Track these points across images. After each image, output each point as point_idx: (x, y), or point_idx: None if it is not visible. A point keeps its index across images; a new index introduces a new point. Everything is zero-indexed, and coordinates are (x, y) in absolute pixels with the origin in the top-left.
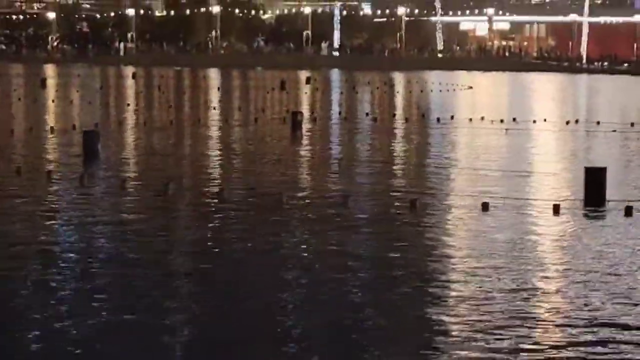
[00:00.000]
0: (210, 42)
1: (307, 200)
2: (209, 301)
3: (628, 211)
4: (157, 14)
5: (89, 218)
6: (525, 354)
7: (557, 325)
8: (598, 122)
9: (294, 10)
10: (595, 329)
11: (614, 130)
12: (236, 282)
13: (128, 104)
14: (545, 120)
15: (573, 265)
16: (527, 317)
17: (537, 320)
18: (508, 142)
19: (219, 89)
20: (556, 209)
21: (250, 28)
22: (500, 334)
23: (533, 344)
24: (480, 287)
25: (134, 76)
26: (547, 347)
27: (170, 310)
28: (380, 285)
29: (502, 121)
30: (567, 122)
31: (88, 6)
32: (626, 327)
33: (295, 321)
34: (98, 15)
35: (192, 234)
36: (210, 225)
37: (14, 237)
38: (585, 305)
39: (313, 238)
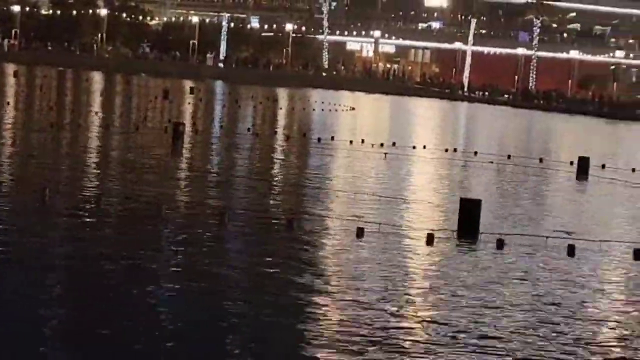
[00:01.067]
0: (95, 45)
1: (181, 213)
2: None
3: (500, 244)
4: (43, 12)
5: None
6: None
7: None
8: (475, 153)
9: (181, 18)
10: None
11: (491, 162)
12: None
13: (8, 103)
14: (424, 147)
15: (435, 296)
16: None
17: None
18: (387, 166)
19: (101, 93)
20: (430, 239)
21: (137, 33)
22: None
23: None
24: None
25: (15, 74)
26: None
27: None
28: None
29: (382, 145)
30: (446, 150)
31: None
32: None
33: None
34: None
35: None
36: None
37: None
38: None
39: (176, 252)
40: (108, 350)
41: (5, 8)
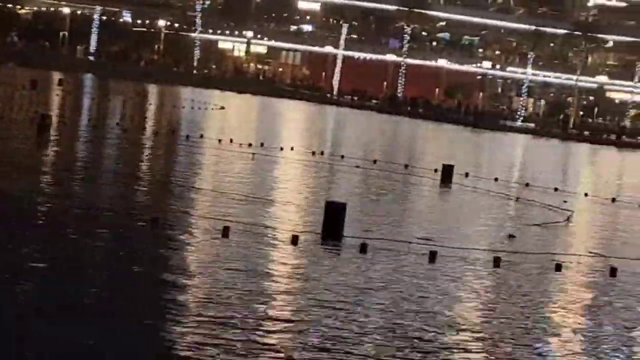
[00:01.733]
0: None
1: (42, 209)
2: None
3: (363, 248)
4: None
5: None
6: None
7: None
8: (342, 156)
9: (52, 8)
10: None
11: (357, 166)
12: None
13: None
14: (292, 149)
15: (295, 295)
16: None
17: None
18: (254, 167)
19: None
20: (294, 240)
21: (5, 21)
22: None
23: None
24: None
25: None
26: None
27: None
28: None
29: (250, 145)
30: (313, 153)
31: None
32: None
33: None
34: None
35: None
36: None
37: None
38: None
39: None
40: None
41: None
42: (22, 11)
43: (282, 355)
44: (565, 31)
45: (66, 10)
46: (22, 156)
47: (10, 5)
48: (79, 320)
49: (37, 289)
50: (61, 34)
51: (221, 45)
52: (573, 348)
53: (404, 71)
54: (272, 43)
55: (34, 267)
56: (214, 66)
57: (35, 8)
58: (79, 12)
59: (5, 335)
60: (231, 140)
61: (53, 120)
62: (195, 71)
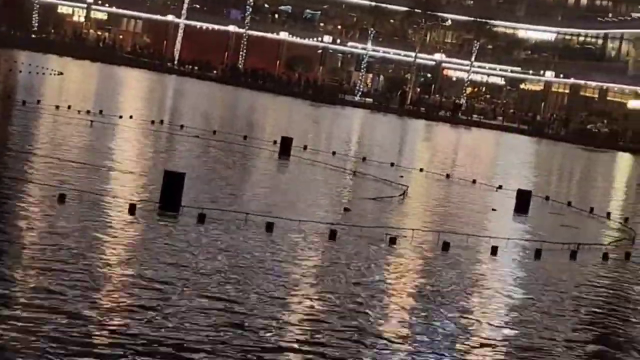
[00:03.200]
0: None
1: None
2: None
3: (201, 218)
4: None
5: None
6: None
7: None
8: (182, 126)
9: None
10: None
11: (197, 136)
12: None
13: None
14: (131, 117)
15: (132, 265)
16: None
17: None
18: (92, 134)
19: None
20: (132, 209)
21: None
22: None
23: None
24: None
25: None
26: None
27: None
28: None
29: (88, 112)
30: (152, 122)
31: None
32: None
33: None
34: None
35: None
36: None
37: None
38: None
39: None
40: None
41: None
42: None
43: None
44: (405, 8)
45: None
46: None
47: None
48: None
49: None
50: None
51: (60, 9)
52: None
53: (245, 42)
54: (113, 10)
55: None
56: (52, 31)
57: None
58: None
59: None
60: (69, 107)
61: None
62: (33, 35)
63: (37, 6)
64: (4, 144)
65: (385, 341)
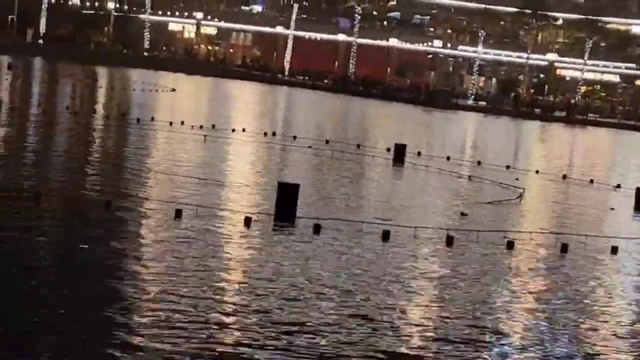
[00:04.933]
0: None
1: None
2: None
3: (316, 228)
4: None
5: None
6: None
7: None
8: (295, 137)
9: None
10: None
11: (310, 147)
12: None
13: None
14: (244, 130)
15: (252, 278)
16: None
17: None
18: (206, 149)
19: None
20: (247, 222)
21: None
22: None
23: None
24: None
25: None
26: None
27: None
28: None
29: (201, 127)
30: (265, 134)
31: None
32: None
33: None
34: None
35: None
36: None
37: None
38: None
39: None
40: None
41: None
42: None
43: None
44: (515, 9)
45: None
46: None
47: None
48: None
49: None
50: (10, 17)
51: (171, 27)
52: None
53: (354, 51)
54: (223, 24)
55: None
56: (164, 48)
57: None
58: None
59: None
60: (182, 123)
61: (3, 104)
62: (145, 53)
63: (148, 25)
64: (120, 161)
65: (512, 341)
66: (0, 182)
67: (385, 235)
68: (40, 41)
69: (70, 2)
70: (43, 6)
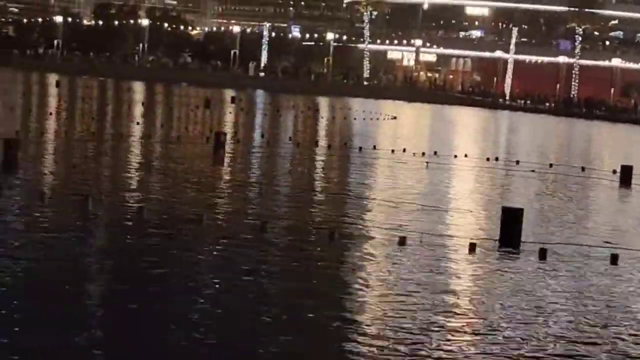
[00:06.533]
0: (136, 55)
1: (224, 224)
2: None
3: (542, 254)
4: (85, 22)
5: None
6: None
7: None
8: (517, 162)
9: (222, 28)
10: None
11: (533, 170)
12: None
13: (50, 113)
14: (466, 155)
15: (479, 304)
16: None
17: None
18: (428, 176)
19: (142, 103)
20: (472, 248)
21: (178, 43)
22: None
23: None
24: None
25: (57, 84)
26: None
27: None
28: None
29: (423, 154)
30: (487, 159)
31: (16, 10)
32: None
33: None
34: (25, 20)
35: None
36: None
37: None
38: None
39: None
40: None
41: (47, 19)
42: (194, 32)
43: None
44: None
45: (236, 29)
46: (199, 173)
47: (182, 27)
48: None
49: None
50: (232, 52)
51: (390, 55)
52: None
53: (576, 72)
54: (442, 50)
55: (204, 283)
56: (383, 76)
57: (206, 29)
58: (248, 30)
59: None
60: (404, 150)
61: (227, 137)
62: (365, 82)
63: (367, 54)
64: (343, 190)
65: None
66: (227, 211)
67: (614, 259)
68: (262, 74)
69: (290, 35)
70: (264, 40)
